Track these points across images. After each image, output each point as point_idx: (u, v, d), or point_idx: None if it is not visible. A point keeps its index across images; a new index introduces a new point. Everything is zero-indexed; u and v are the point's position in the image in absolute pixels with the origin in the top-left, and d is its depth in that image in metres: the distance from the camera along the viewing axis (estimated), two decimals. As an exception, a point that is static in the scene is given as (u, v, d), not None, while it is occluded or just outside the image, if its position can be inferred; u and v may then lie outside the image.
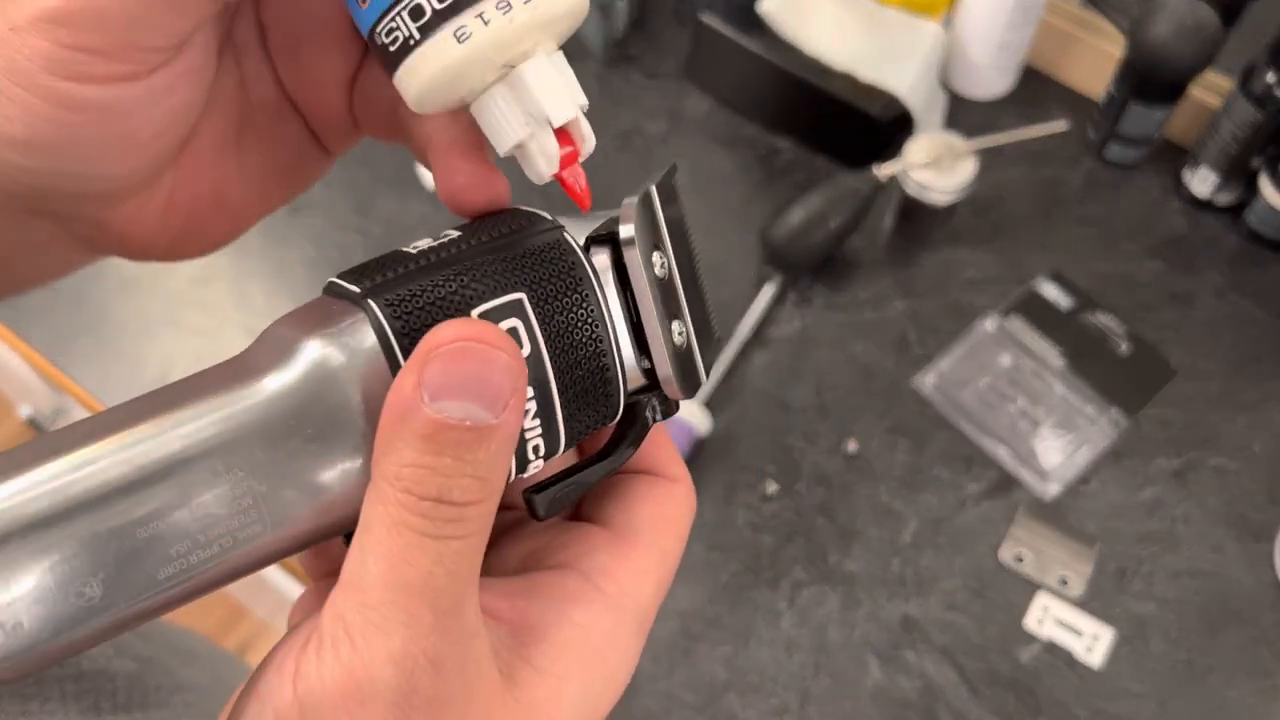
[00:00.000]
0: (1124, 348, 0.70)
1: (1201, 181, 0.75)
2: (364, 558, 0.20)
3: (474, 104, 0.23)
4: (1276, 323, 0.71)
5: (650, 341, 0.23)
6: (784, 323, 0.72)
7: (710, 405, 0.68)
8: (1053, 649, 0.61)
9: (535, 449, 0.22)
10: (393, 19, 0.22)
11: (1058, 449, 0.66)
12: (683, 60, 0.83)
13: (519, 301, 0.22)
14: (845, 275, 0.74)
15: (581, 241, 0.23)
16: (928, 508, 0.65)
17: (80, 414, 1.19)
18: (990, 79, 0.80)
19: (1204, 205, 0.76)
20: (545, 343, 0.22)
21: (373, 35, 0.22)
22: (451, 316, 0.21)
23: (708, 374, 0.25)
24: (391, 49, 0.22)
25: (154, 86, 0.23)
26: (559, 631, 0.22)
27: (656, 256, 0.23)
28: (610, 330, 0.23)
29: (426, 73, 0.22)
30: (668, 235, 0.24)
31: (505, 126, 0.23)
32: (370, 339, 0.21)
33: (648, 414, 0.25)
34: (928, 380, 0.69)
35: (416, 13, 0.21)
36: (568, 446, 0.23)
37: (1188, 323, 0.71)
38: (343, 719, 0.19)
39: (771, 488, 0.65)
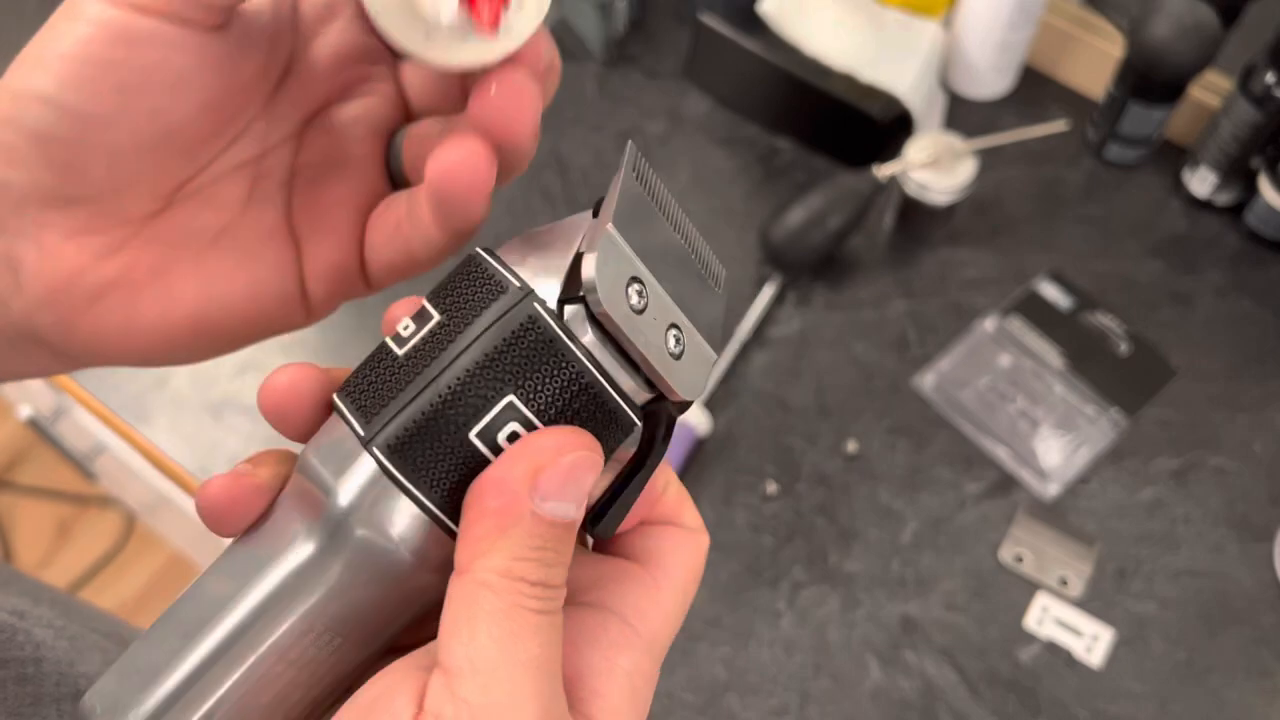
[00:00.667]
0: (1124, 347, 0.70)
1: (1201, 181, 0.75)
2: (475, 644, 0.21)
3: None
4: (1276, 322, 0.71)
5: (645, 372, 0.24)
6: (784, 323, 0.72)
7: (710, 405, 0.67)
8: (1053, 649, 0.61)
9: None
10: None
11: (1057, 449, 0.66)
12: (682, 60, 0.83)
13: (510, 405, 0.23)
14: (845, 275, 0.74)
15: (552, 297, 0.24)
16: (928, 508, 0.65)
17: (80, 415, 1.19)
18: (990, 79, 0.80)
19: (1204, 205, 0.76)
20: (544, 418, 0.23)
21: None
22: (451, 443, 0.23)
23: (719, 339, 0.26)
24: None
25: (208, 40, 0.24)
26: (610, 682, 0.24)
27: (633, 291, 0.24)
28: (602, 380, 0.24)
29: None
30: (640, 256, 0.24)
31: None
32: (388, 489, 0.23)
33: (667, 414, 0.26)
34: (928, 380, 0.69)
35: None
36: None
37: (1188, 323, 0.71)
38: None
39: (771, 488, 0.65)
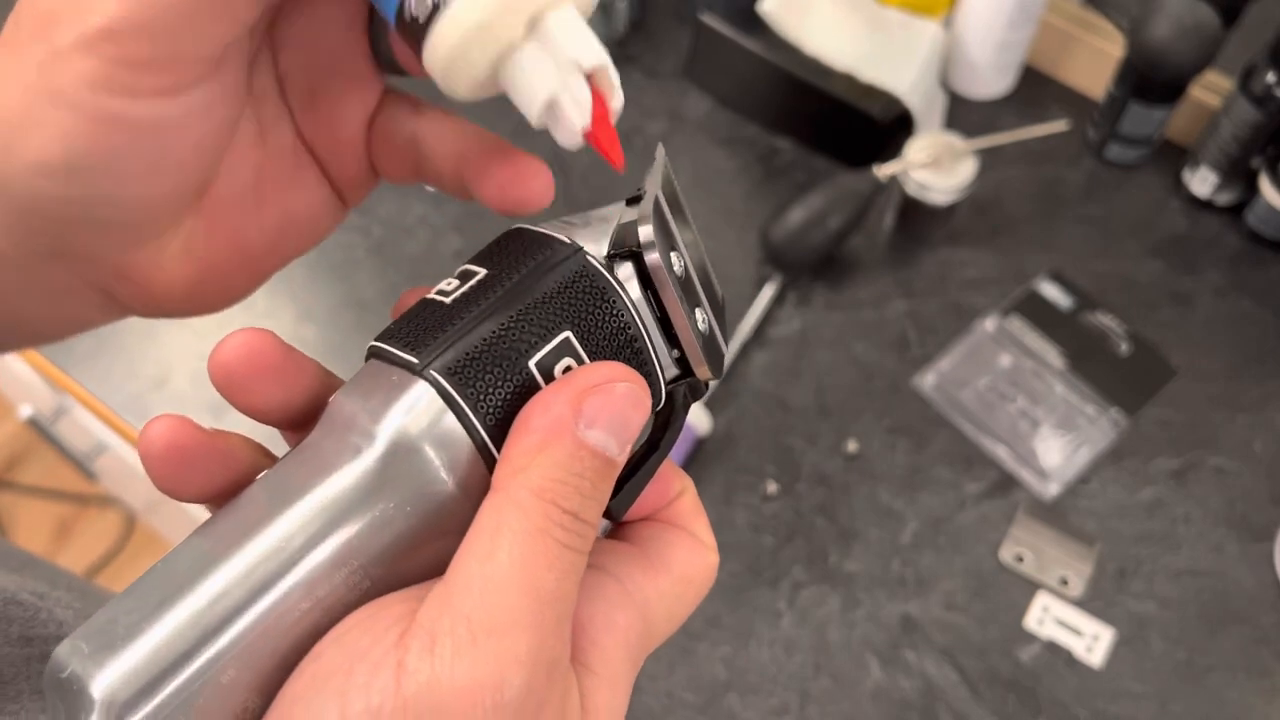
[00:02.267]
0: (1124, 347, 0.70)
1: (1201, 181, 0.75)
2: (492, 561, 0.21)
3: (502, 70, 0.23)
4: (1277, 322, 0.71)
5: (680, 336, 0.25)
6: (784, 323, 0.72)
7: (710, 405, 0.68)
8: (1053, 649, 0.61)
9: None
10: None
11: (1058, 449, 0.66)
12: (683, 60, 0.83)
13: (567, 340, 0.23)
14: (845, 275, 0.74)
15: (601, 255, 0.24)
16: (928, 508, 0.65)
17: (81, 414, 1.19)
18: (990, 79, 0.80)
19: (1204, 205, 0.76)
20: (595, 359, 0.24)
21: (401, 13, 0.23)
22: (509, 370, 0.23)
23: (726, 344, 0.27)
24: (421, 20, 0.23)
25: (194, 103, 0.24)
26: (609, 635, 0.23)
27: (674, 258, 0.25)
28: (645, 335, 0.24)
29: (457, 33, 0.22)
30: (675, 229, 0.25)
31: (535, 82, 0.23)
32: (442, 412, 0.22)
33: (684, 397, 0.26)
34: (928, 380, 0.69)
35: None
36: None
37: (1188, 322, 0.71)
38: None
39: (771, 488, 0.65)
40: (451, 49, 0.22)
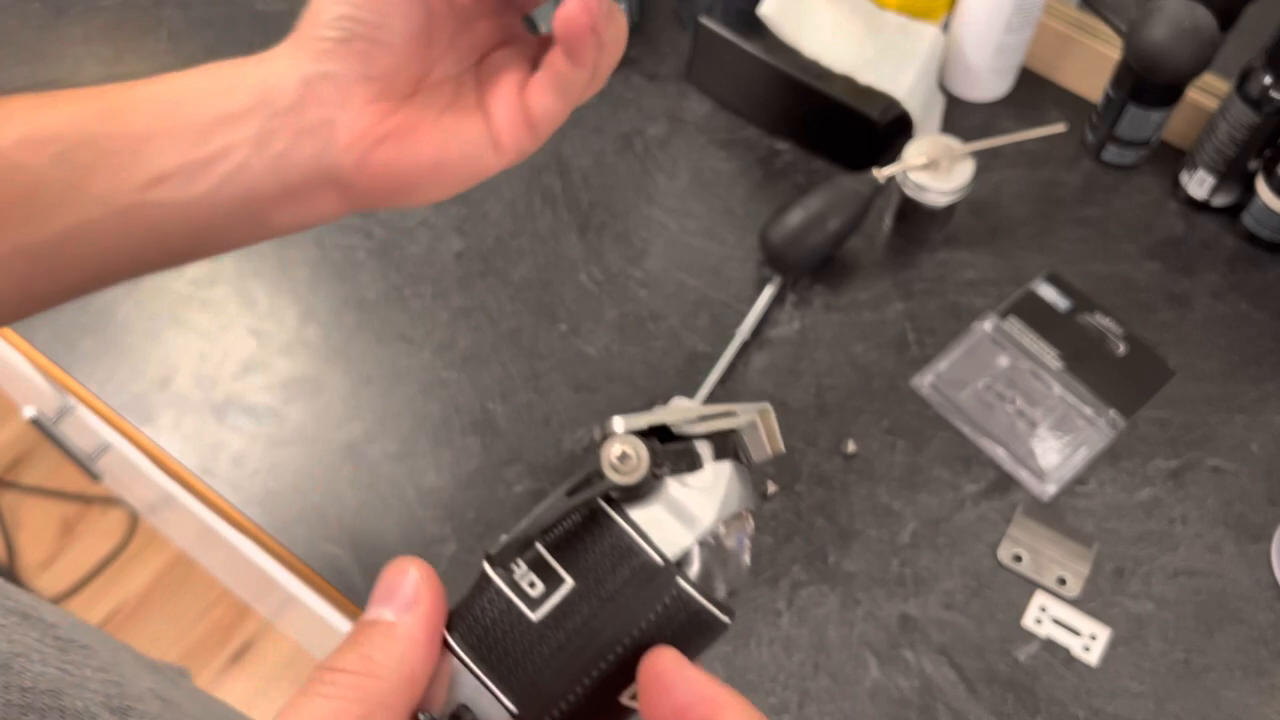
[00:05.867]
0: (1121, 349, 0.70)
1: (1199, 183, 0.75)
2: None
3: None
4: (1274, 323, 0.72)
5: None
6: (783, 324, 0.72)
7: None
8: (1050, 648, 0.61)
9: None
10: None
11: (1055, 449, 0.67)
12: (683, 63, 0.83)
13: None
14: (844, 276, 0.74)
15: (695, 574, 0.26)
16: (926, 508, 0.65)
17: (84, 415, 1.19)
18: (988, 81, 0.81)
19: (1201, 207, 0.76)
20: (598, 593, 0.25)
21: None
22: (608, 712, 0.25)
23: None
24: None
25: (434, 13, 0.38)
26: None
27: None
28: (722, 614, 0.27)
29: None
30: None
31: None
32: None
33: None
34: (926, 381, 0.69)
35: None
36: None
37: (1185, 324, 0.72)
38: None
39: (770, 488, 0.66)
40: None
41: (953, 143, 0.71)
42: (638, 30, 0.85)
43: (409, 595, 0.26)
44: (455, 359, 0.71)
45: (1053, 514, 0.65)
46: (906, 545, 0.64)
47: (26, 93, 0.37)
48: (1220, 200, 0.75)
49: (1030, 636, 0.61)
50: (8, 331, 0.72)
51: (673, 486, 0.26)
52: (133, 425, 0.69)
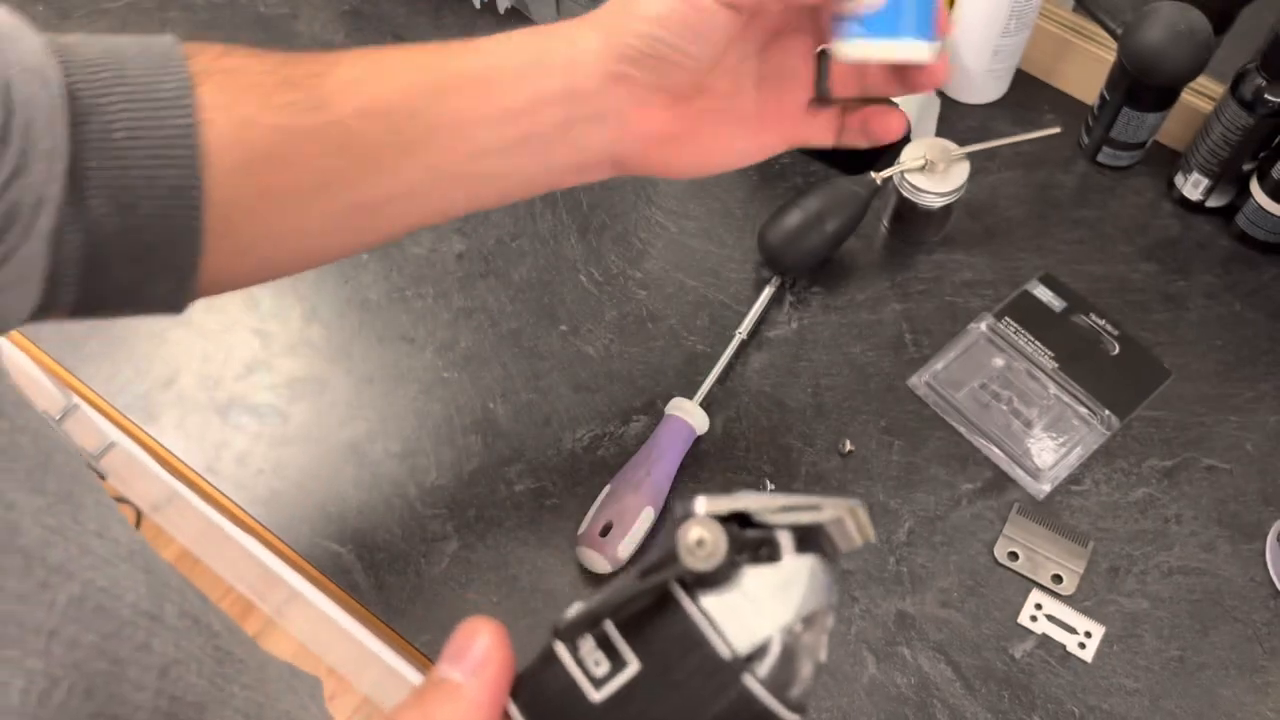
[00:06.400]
0: (1116, 349, 0.71)
1: (1193, 185, 0.75)
2: None
3: None
4: (1268, 324, 0.72)
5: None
6: (781, 324, 0.73)
7: (708, 406, 0.68)
8: (1046, 645, 0.61)
9: None
10: None
11: (1051, 449, 0.67)
12: (682, 66, 0.84)
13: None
14: (842, 277, 0.75)
15: (765, 674, 0.25)
16: (923, 507, 0.66)
17: (87, 414, 1.20)
18: (984, 84, 0.81)
19: (1196, 208, 0.77)
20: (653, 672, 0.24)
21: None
22: None
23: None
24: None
25: (731, 30, 0.42)
26: None
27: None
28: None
29: None
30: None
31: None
32: None
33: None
34: (922, 381, 0.70)
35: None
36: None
37: (1180, 324, 0.72)
38: None
39: (769, 487, 0.66)
40: None
41: (949, 145, 0.71)
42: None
43: (478, 658, 0.26)
44: (457, 359, 0.72)
45: (1048, 513, 0.65)
46: (903, 543, 0.65)
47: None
48: (1215, 201, 0.76)
49: (1026, 634, 0.62)
50: (13, 332, 0.73)
51: (750, 576, 0.24)
52: (137, 425, 0.69)
